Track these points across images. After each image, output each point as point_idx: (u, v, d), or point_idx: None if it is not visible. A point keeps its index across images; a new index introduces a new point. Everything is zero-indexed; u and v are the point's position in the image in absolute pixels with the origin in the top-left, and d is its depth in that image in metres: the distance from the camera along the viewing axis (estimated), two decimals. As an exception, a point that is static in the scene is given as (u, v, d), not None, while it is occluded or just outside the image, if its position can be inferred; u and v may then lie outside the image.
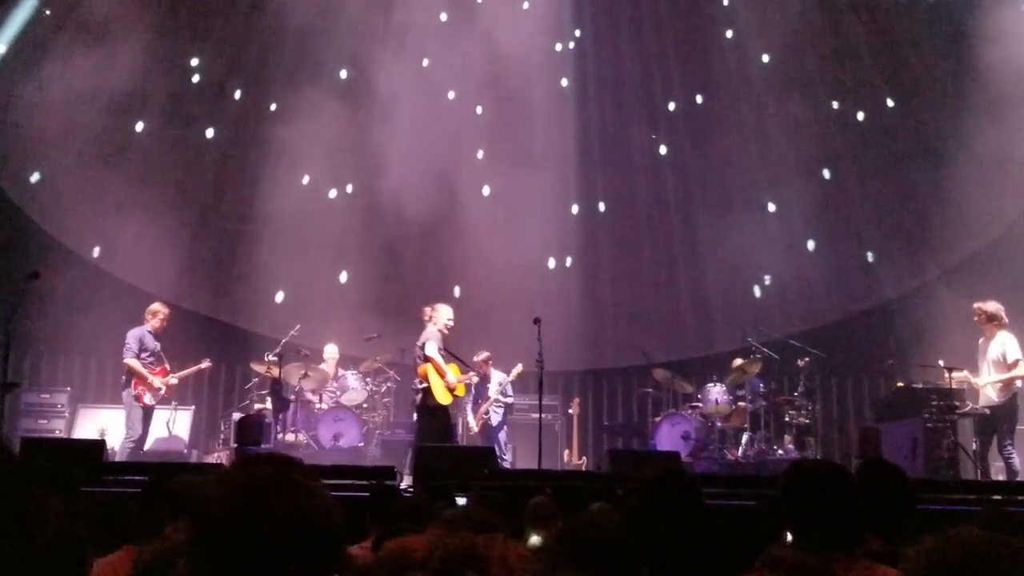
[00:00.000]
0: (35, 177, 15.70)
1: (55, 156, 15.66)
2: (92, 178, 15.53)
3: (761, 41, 16.85)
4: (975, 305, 11.66)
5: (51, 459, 8.77)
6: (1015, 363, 11.21)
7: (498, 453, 11.74)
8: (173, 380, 12.76)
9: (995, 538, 1.86)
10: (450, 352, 12.39)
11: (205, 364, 13.47)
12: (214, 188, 16.58)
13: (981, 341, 11.63)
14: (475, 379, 12.63)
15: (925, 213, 15.60)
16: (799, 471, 3.51)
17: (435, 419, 12.08)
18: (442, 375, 12.08)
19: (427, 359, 12.11)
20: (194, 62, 16.70)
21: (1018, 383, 11.22)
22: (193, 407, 14.80)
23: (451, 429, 12.31)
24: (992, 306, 11.51)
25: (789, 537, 3.27)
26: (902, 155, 16.28)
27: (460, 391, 12.28)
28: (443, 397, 12.09)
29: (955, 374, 11.38)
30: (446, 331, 12.37)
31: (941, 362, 11.68)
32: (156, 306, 12.85)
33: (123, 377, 12.59)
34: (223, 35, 16.66)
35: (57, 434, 13.84)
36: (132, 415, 12.23)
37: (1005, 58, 14.20)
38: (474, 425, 14.02)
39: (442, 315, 12.42)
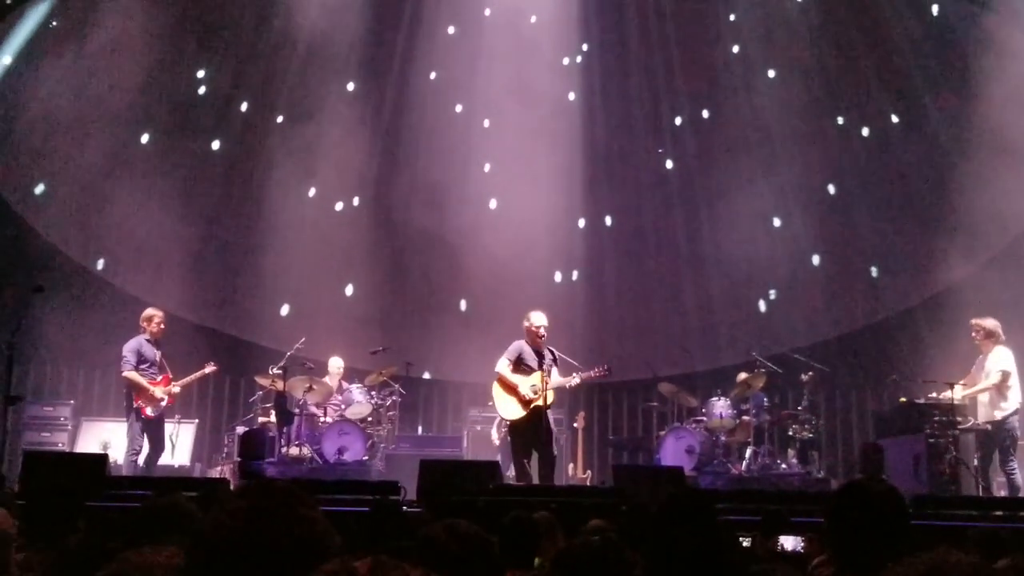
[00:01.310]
0: (39, 188, 15.75)
1: (60, 167, 15.72)
2: (97, 189, 15.58)
3: (767, 57, 16.88)
4: (973, 321, 11.68)
5: (54, 472, 8.79)
6: (1000, 373, 11.22)
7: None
8: (176, 388, 12.46)
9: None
10: (541, 359, 11.50)
11: (209, 368, 13.06)
12: (220, 200, 16.58)
13: (980, 358, 11.64)
14: (574, 381, 11.50)
15: (929, 229, 15.59)
16: (851, 491, 3.41)
17: (512, 433, 11.73)
18: (511, 389, 11.46)
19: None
20: (200, 74, 16.76)
21: (1016, 399, 11.22)
22: (197, 420, 14.77)
23: (523, 445, 11.48)
24: (990, 323, 11.53)
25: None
26: (906, 171, 16.29)
27: (541, 402, 11.27)
28: (506, 411, 11.60)
29: (958, 391, 11.36)
30: (542, 335, 11.51)
31: (947, 392, 11.60)
32: (150, 311, 12.55)
33: (124, 391, 12.45)
34: (230, 47, 16.71)
35: (60, 447, 13.84)
36: (133, 429, 12.09)
37: (1008, 74, 14.23)
38: (495, 438, 13.99)
39: (530, 321, 11.58)
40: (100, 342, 14.29)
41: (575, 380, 11.57)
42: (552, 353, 11.66)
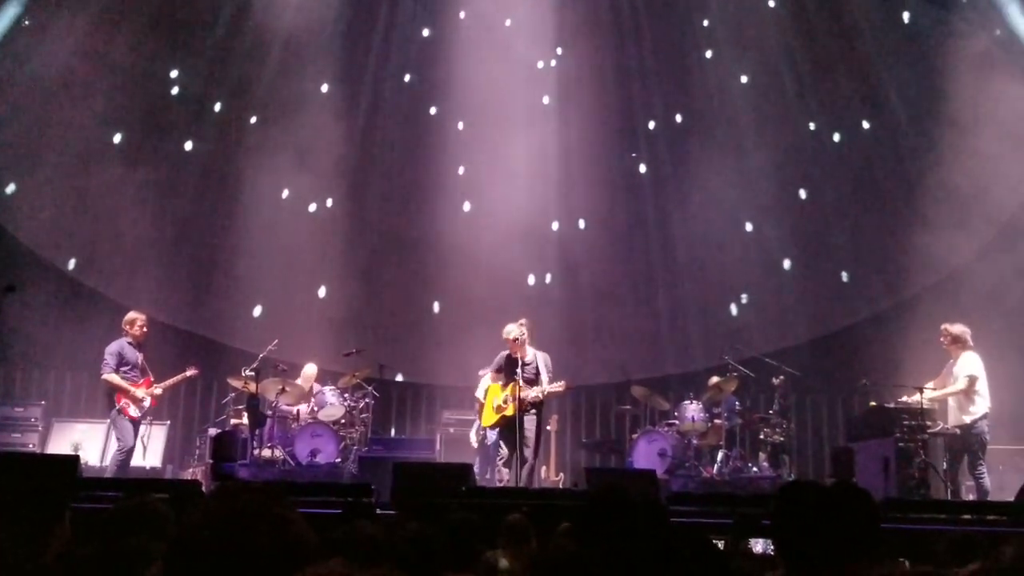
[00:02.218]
0: (11, 188, 15.64)
1: (31, 167, 15.61)
2: (69, 190, 15.50)
3: (740, 62, 17.00)
4: (942, 327, 11.78)
5: (25, 474, 8.73)
6: (967, 378, 11.32)
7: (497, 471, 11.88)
8: (157, 390, 12.40)
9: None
10: (513, 367, 11.76)
11: (191, 372, 13.02)
12: (193, 201, 16.49)
13: (949, 362, 11.73)
14: (532, 393, 11.62)
15: (899, 234, 15.68)
16: (792, 492, 3.39)
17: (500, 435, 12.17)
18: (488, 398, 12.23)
19: None
20: (174, 74, 16.68)
21: (983, 404, 11.32)
22: (168, 422, 14.73)
23: (504, 444, 11.97)
24: (958, 328, 11.64)
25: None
26: (877, 176, 16.43)
27: (510, 411, 11.59)
28: (484, 418, 12.42)
29: (925, 394, 11.44)
30: (513, 343, 11.83)
31: (920, 396, 11.67)
32: (132, 315, 12.48)
33: (105, 393, 12.34)
34: (204, 48, 16.64)
35: (31, 448, 13.75)
36: (121, 427, 11.96)
37: (977, 81, 14.36)
38: (474, 441, 14.02)
39: (504, 334, 12.01)
40: (72, 343, 14.21)
41: (533, 393, 11.73)
42: (537, 359, 11.97)
